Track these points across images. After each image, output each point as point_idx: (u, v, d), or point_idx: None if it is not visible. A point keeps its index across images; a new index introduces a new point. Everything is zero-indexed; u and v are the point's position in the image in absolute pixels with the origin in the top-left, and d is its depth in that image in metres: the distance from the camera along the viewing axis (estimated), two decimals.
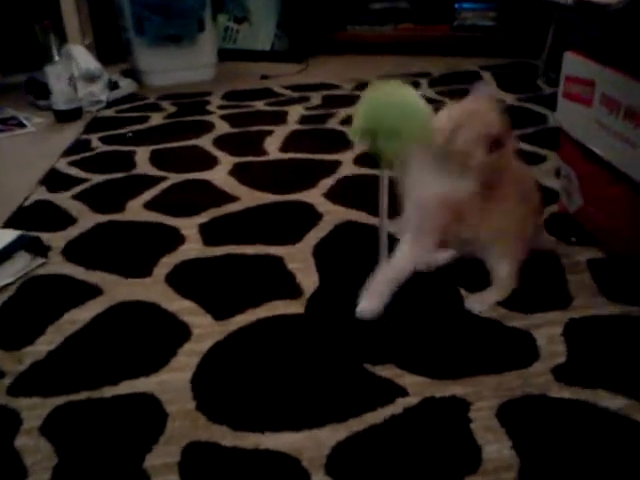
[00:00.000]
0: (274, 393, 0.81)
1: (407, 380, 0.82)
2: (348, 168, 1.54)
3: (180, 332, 0.94)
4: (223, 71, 2.73)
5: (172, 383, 0.84)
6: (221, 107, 2.18)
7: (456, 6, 2.89)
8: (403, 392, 0.80)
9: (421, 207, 0.90)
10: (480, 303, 0.97)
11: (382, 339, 0.91)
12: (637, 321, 0.92)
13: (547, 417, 0.75)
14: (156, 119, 2.09)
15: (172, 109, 2.21)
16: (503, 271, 0.97)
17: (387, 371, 0.84)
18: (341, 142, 1.71)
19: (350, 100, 2.13)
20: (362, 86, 2.33)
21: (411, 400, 0.79)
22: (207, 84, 2.56)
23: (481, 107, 0.90)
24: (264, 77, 2.64)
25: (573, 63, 1.13)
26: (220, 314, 0.98)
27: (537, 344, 0.88)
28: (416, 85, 2.30)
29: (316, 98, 2.23)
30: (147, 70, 2.61)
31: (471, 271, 1.02)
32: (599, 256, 1.08)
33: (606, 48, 1.03)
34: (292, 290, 1.03)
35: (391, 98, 0.88)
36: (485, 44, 2.77)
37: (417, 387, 0.81)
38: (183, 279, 1.09)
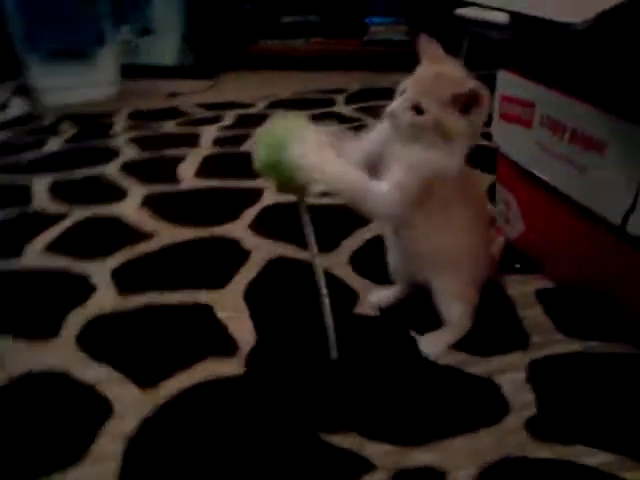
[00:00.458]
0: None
1: (371, 450, 0.72)
2: (271, 196, 1.43)
3: (99, 408, 0.80)
4: (127, 88, 2.56)
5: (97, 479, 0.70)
6: (127, 129, 2.02)
7: (367, 20, 2.85)
8: (369, 465, 0.70)
9: (408, 165, 0.78)
10: (434, 347, 0.88)
11: (336, 399, 0.80)
12: (598, 358, 0.86)
13: None
14: (55, 144, 1.90)
15: (72, 131, 2.03)
16: (456, 313, 0.89)
17: (347, 440, 0.74)
18: None
19: (265, 119, 2.03)
20: (276, 104, 2.24)
21: (380, 476, 0.69)
22: (110, 103, 2.38)
23: (441, 68, 0.80)
24: (171, 95, 2.49)
25: (510, 83, 1.08)
26: (145, 382, 0.85)
27: (503, 393, 0.80)
28: (332, 103, 2.23)
29: (229, 117, 2.11)
30: (42, 88, 2.40)
31: (422, 311, 0.93)
32: (547, 286, 1.03)
33: (552, 69, 0.98)
34: (226, 345, 0.91)
35: (292, 134, 0.76)
36: (399, 59, 2.74)
37: (383, 458, 0.71)
38: (97, 339, 0.94)
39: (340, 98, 2.28)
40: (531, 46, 1.03)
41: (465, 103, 0.76)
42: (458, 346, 0.89)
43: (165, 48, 2.86)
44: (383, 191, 0.78)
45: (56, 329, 0.96)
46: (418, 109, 0.77)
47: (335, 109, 2.12)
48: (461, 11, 2.09)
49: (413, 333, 0.91)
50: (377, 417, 0.77)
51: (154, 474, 0.71)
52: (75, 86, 2.44)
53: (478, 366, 0.85)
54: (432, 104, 0.76)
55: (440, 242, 0.84)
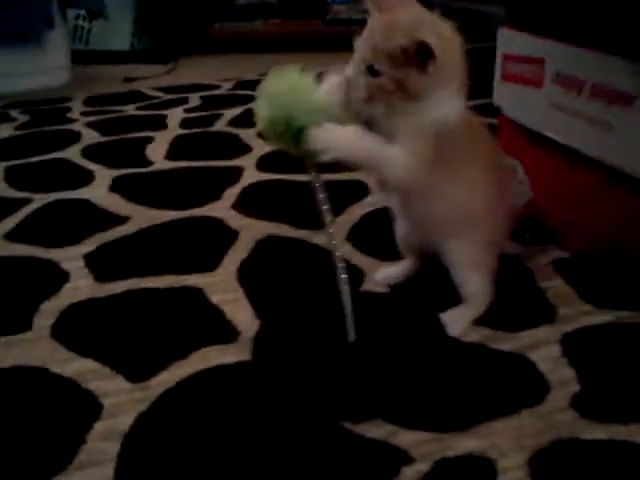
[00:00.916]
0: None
1: (405, 439, 0.64)
2: (252, 174, 1.34)
3: (86, 405, 0.70)
4: (79, 75, 2.40)
5: None
6: (85, 114, 1.89)
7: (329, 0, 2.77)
8: (406, 457, 0.62)
9: (410, 132, 0.70)
10: (457, 325, 0.81)
11: (359, 384, 0.72)
12: (634, 328, 0.80)
13: (590, 468, 0.60)
14: (5, 131, 1.76)
15: (24, 118, 1.88)
16: (474, 284, 0.82)
17: (376, 429, 0.65)
18: (236, 145, 1.50)
19: (232, 100, 1.93)
20: (242, 85, 2.14)
21: (420, 467, 0.60)
22: (62, 89, 2.23)
23: (394, 16, 0.67)
24: (128, 80, 2.36)
25: (512, 40, 1.01)
26: (135, 375, 0.74)
27: (539, 370, 0.73)
28: None
29: (195, 100, 1.99)
30: None
31: (434, 285, 0.86)
32: (563, 255, 0.96)
33: (562, 20, 0.91)
34: (225, 331, 0.82)
35: (302, 88, 0.69)
36: None
37: (420, 447, 0.62)
38: (76, 330, 0.83)
39: None
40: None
41: (418, 57, 0.65)
42: (480, 320, 0.81)
43: (118, 33, 2.72)
44: (400, 155, 0.70)
45: (28, 322, 0.85)
46: (372, 70, 0.67)
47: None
48: None
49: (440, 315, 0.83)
50: (405, 402, 0.69)
51: (156, 476, 0.61)
52: (23, 72, 2.27)
53: (506, 342, 0.78)
54: (383, 63, 0.66)
55: (452, 200, 0.76)
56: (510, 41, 1.02)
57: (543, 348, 0.76)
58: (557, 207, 0.98)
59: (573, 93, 0.89)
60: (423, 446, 0.63)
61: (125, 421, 0.67)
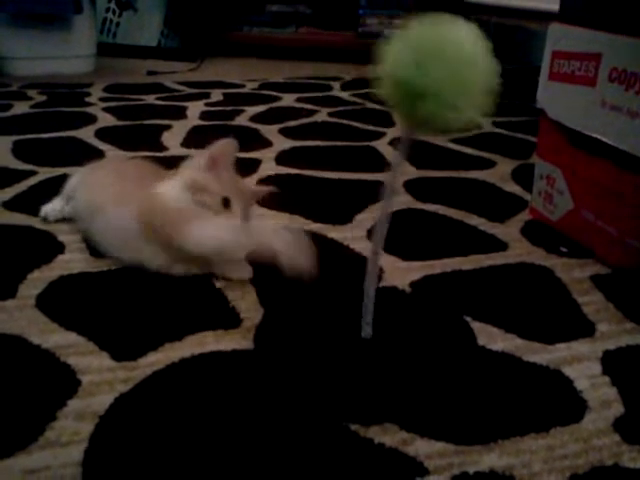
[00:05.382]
0: None
1: (420, 448, 0.55)
2: (270, 167, 1.27)
3: (63, 380, 0.62)
4: (103, 65, 2.37)
5: (54, 469, 0.51)
6: (103, 99, 1.83)
7: (360, 12, 2.72)
8: (420, 468, 0.53)
9: None
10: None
11: (372, 385, 0.63)
12: None
13: None
14: (20, 108, 1.70)
15: (41, 98, 1.83)
16: None
17: (388, 435, 0.56)
18: (255, 139, 1.44)
19: (255, 98, 1.88)
20: (267, 85, 2.08)
21: None
22: (85, 76, 2.19)
23: None
24: (151, 73, 2.31)
25: (566, 35, 0.94)
26: (122, 353, 0.66)
27: (576, 387, 0.64)
28: (329, 88, 2.08)
29: (217, 95, 1.93)
30: (8, 56, 2.18)
31: (465, 285, 0.78)
32: (604, 271, 0.88)
33: (625, 11, 0.84)
34: (227, 317, 0.74)
35: (454, 43, 0.53)
36: None
37: (437, 459, 0.54)
38: (63, 302, 0.76)
39: (336, 85, 2.13)
40: None
41: None
42: (512, 330, 0.73)
43: (147, 29, 2.68)
44: None
45: (13, 288, 0.78)
46: None
47: (333, 94, 1.97)
48: None
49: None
50: (424, 409, 0.60)
51: (130, 463, 0.52)
52: (46, 56, 2.23)
53: (540, 355, 0.69)
54: None
55: None
56: (562, 37, 0.94)
57: (580, 364, 0.67)
58: (599, 218, 0.90)
59: (631, 91, 0.82)
60: (440, 458, 0.54)
61: (103, 401, 0.59)
